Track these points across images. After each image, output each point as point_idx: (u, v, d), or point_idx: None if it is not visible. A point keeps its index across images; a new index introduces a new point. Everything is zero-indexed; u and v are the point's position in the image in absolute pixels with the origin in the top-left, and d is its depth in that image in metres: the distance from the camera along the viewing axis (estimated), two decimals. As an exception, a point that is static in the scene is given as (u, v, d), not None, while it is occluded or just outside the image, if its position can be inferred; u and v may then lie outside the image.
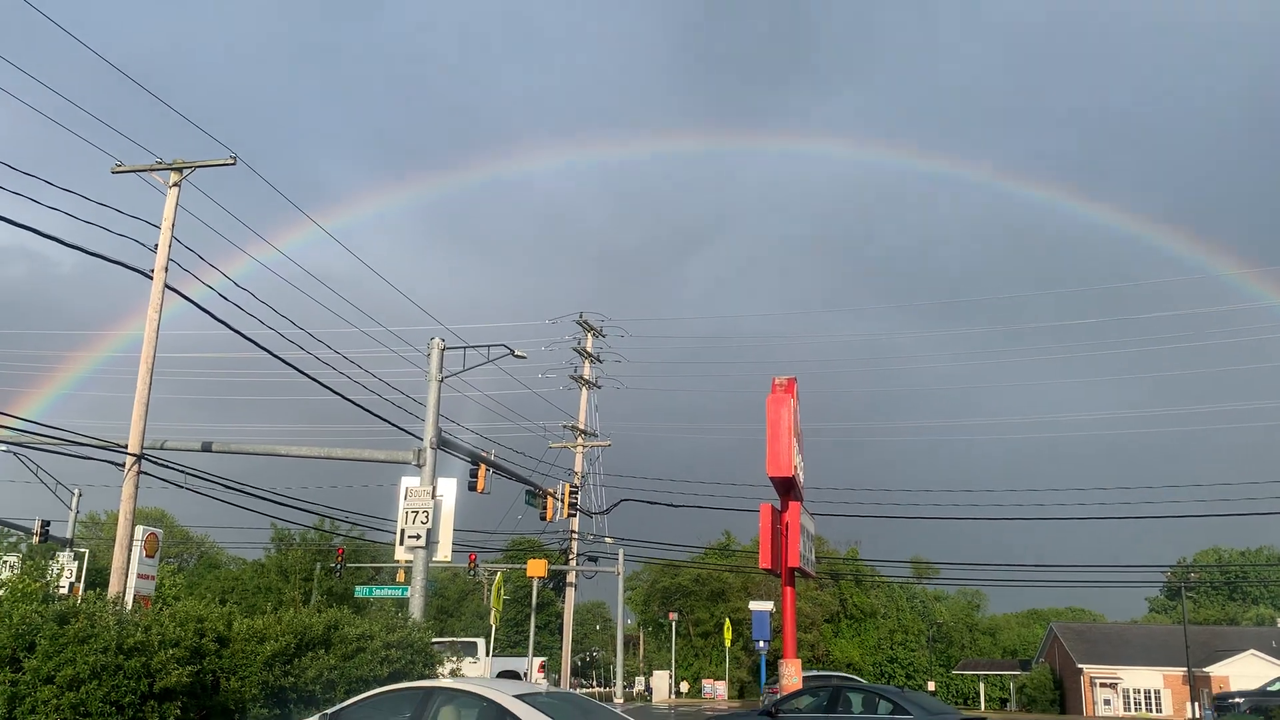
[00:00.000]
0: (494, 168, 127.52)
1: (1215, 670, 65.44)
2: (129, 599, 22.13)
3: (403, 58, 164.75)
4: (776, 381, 23.67)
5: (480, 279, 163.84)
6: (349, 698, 15.73)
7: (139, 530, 30.80)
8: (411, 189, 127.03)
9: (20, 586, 15.32)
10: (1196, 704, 59.17)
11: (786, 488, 23.99)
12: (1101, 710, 67.18)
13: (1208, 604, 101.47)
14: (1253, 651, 66.16)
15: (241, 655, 15.57)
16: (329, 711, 11.75)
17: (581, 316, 49.76)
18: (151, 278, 21.72)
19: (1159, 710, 66.30)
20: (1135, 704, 68.03)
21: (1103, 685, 68.43)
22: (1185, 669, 63.34)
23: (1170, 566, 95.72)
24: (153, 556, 26.81)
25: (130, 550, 22.54)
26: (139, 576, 26.77)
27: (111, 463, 23.45)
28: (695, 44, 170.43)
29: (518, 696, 10.59)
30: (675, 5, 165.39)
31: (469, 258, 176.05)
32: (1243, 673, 65.47)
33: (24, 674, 12.27)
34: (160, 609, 15.58)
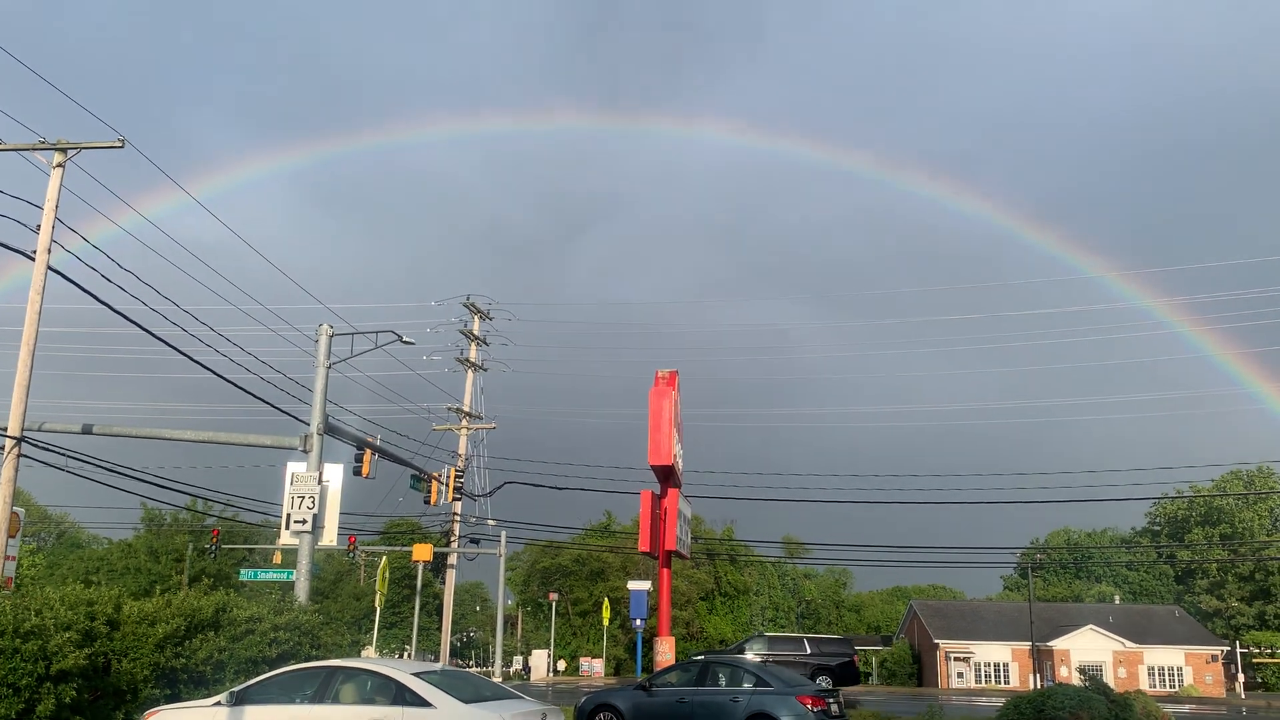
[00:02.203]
0: (380, 140, 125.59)
1: (1058, 644, 70.28)
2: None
3: (287, 24, 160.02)
4: (659, 374, 24.95)
5: (364, 253, 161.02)
6: (239, 678, 16.31)
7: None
8: (291, 157, 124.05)
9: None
10: (1039, 675, 63.50)
11: (666, 475, 25.34)
12: (955, 683, 71.29)
13: (1056, 582, 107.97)
14: (1091, 627, 71.27)
15: (133, 638, 15.91)
16: (235, 690, 12.36)
17: (469, 299, 50.08)
18: (34, 259, 21.49)
19: (1007, 682, 70.75)
20: (986, 676, 72.41)
21: (957, 659, 72.60)
22: (1030, 643, 67.80)
23: (1022, 548, 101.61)
24: (14, 537, 26.36)
25: (2, 532, 22.27)
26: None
27: None
28: (587, 23, 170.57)
29: (415, 674, 11.45)
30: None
31: (353, 231, 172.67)
32: (1083, 646, 70.57)
33: (-81, 658, 12.52)
34: (24, 591, 15.69)
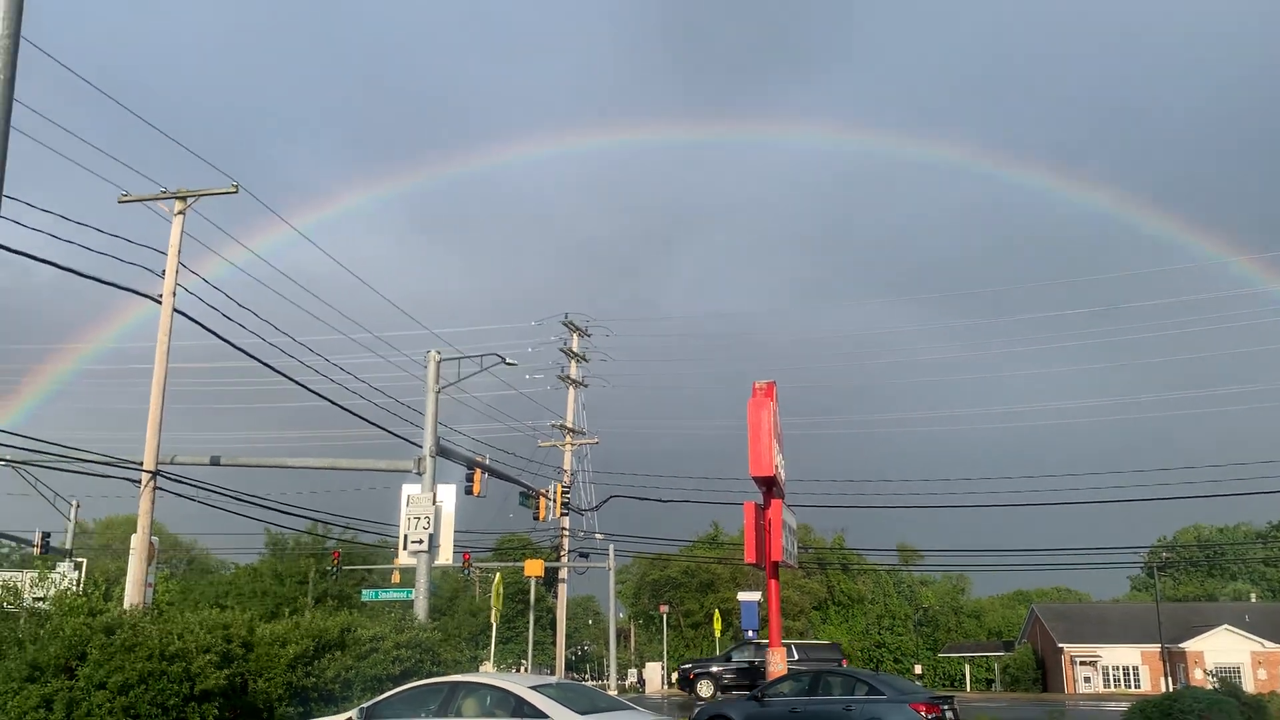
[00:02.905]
0: (476, 163, 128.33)
1: (1190, 646, 67.42)
2: (131, 602, 23.23)
3: (372, 53, 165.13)
4: (757, 386, 25.02)
5: (465, 275, 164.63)
6: (365, 695, 17.02)
7: (134, 539, 31.83)
8: (391, 185, 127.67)
9: (68, 601, 16.48)
10: (1170, 678, 61.06)
11: (768, 486, 25.38)
12: (1081, 688, 69.05)
13: (1188, 581, 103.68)
14: (1226, 627, 68.17)
15: (266, 658, 16.79)
16: (364, 706, 12.98)
17: (567, 318, 50.95)
18: (160, 303, 22.84)
19: (1138, 686, 68.20)
20: (1115, 681, 69.94)
21: (1083, 663, 70.32)
22: (1160, 646, 65.23)
23: (1150, 546, 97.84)
24: (150, 564, 27.95)
25: (143, 560, 23.62)
26: (135, 583, 27.72)
27: (125, 479, 24.54)
28: (674, 33, 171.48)
29: (532, 687, 11.88)
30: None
31: (453, 254, 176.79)
32: (1217, 647, 67.54)
33: (78, 681, 13.48)
34: (164, 616, 16.65)
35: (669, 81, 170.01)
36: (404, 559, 25.29)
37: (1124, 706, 27.18)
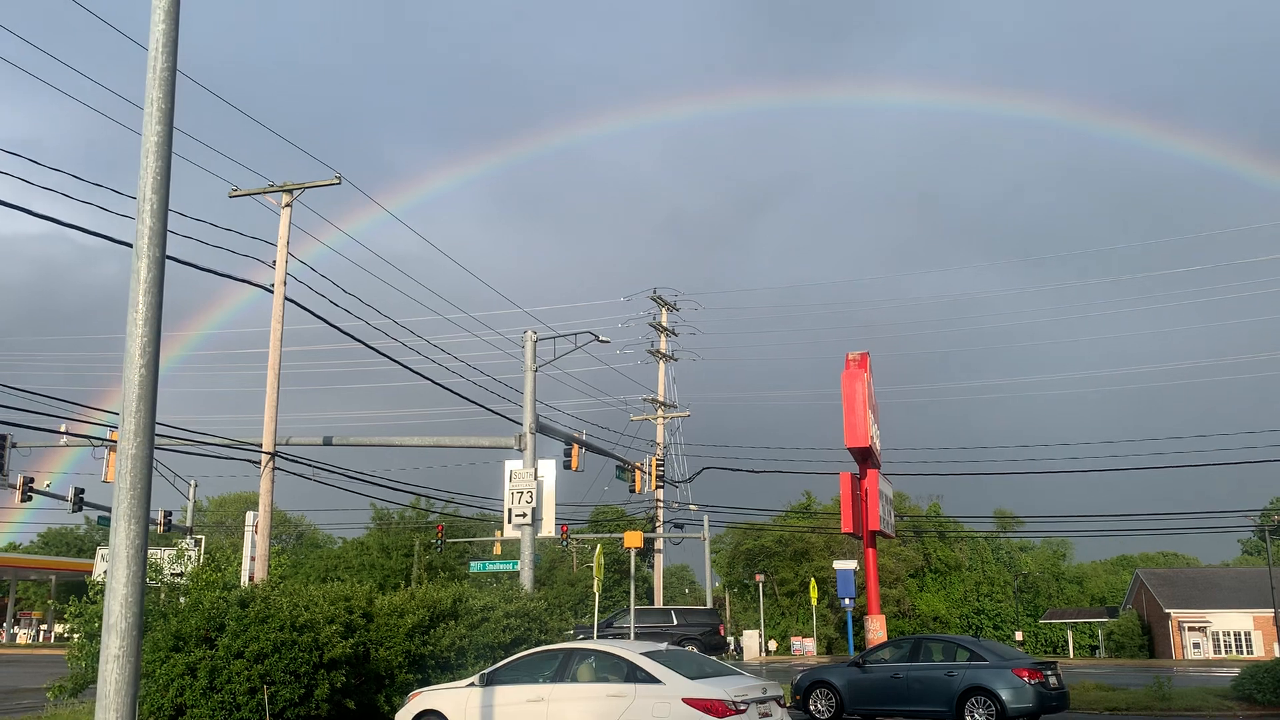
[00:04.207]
0: (561, 139, 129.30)
1: (1306, 611, 65.19)
2: (258, 578, 24.53)
3: (459, 33, 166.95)
4: (850, 357, 25.15)
5: (553, 252, 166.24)
6: (480, 663, 17.82)
7: (249, 516, 33.46)
8: (480, 165, 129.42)
9: (204, 576, 17.60)
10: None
11: (864, 456, 25.54)
12: (1190, 654, 67.40)
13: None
14: (1346, 590, 65.70)
15: (385, 628, 17.68)
16: (485, 672, 13.69)
17: (655, 293, 51.38)
18: (272, 292, 23.93)
19: (1250, 652, 66.29)
20: (1225, 647, 68.11)
21: (1191, 629, 68.60)
22: (1275, 610, 63.20)
23: (1262, 510, 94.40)
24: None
25: (266, 537, 24.86)
26: (250, 559, 29.21)
27: (246, 459, 25.82)
28: (758, 1, 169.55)
29: (644, 654, 12.41)
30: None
31: (542, 232, 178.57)
32: (1336, 612, 65.14)
33: (218, 651, 14.46)
34: (284, 588, 17.52)
35: (755, 47, 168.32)
36: (508, 532, 26.14)
37: (1235, 672, 26.72)
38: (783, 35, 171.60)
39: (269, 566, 23.69)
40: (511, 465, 25.79)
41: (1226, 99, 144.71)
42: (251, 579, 25.59)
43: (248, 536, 32.58)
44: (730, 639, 74.31)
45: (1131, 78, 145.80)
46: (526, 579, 24.86)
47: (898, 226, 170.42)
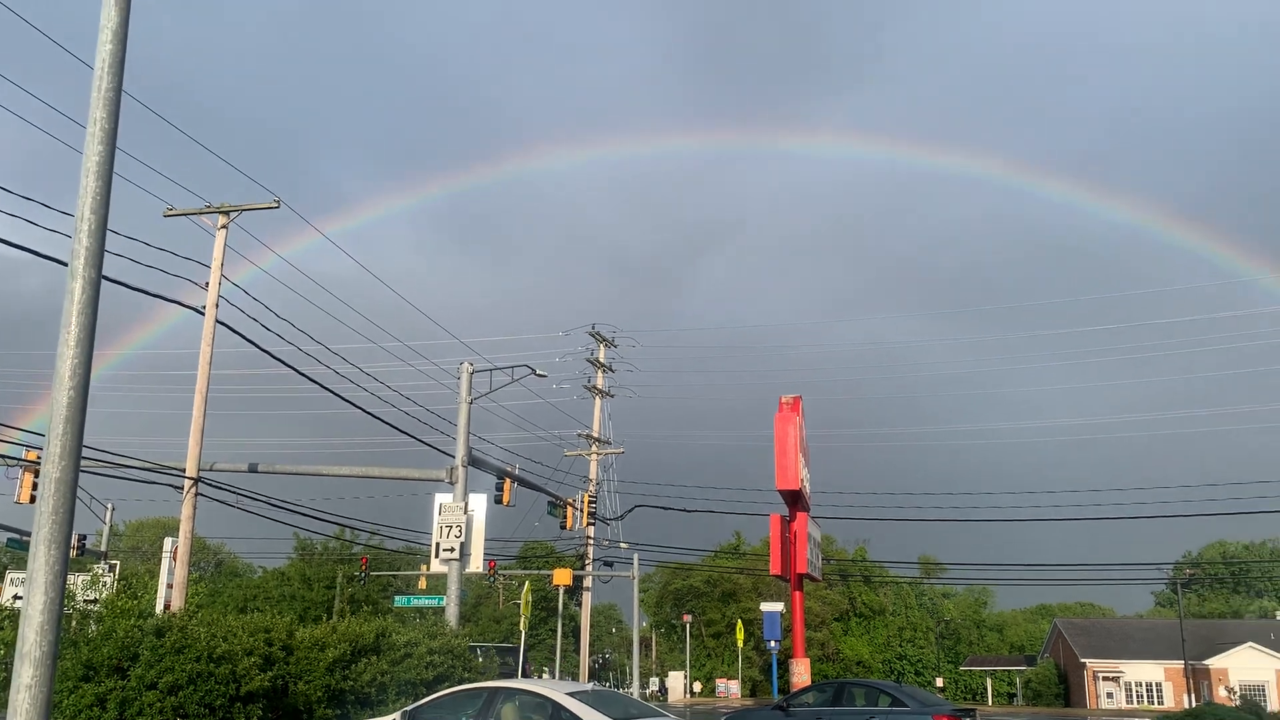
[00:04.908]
0: (503, 171, 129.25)
1: (1214, 663, 67.01)
2: (175, 606, 23.86)
3: (406, 61, 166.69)
4: (784, 400, 25.46)
5: (492, 283, 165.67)
6: (400, 699, 17.52)
7: (168, 542, 32.57)
8: (421, 193, 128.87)
9: (119, 603, 17.08)
10: (1193, 695, 60.74)
11: (794, 499, 25.79)
12: (1104, 703, 68.74)
13: (1212, 598, 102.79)
14: (1251, 645, 67.72)
15: (305, 662, 17.31)
16: (407, 709, 13.49)
17: (594, 328, 51.47)
18: (203, 314, 23.52)
19: (1160, 703, 67.85)
20: (1137, 697, 69.59)
21: (1105, 679, 70.02)
22: (1184, 662, 64.93)
23: (1174, 563, 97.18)
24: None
25: (185, 565, 24.21)
26: (167, 586, 28.40)
27: (167, 484, 25.21)
28: (704, 45, 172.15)
29: (569, 694, 12.34)
30: (686, 6, 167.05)
31: (481, 262, 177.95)
32: (1242, 664, 67.14)
33: (130, 681, 14.05)
34: (201, 618, 17.13)
35: (702, 90, 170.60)
36: (435, 566, 25.79)
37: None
38: (727, 81, 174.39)
39: (186, 595, 23.07)
40: (441, 498, 25.53)
41: (1149, 161, 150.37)
42: (167, 607, 24.88)
43: (165, 563, 31.67)
44: (655, 679, 73.93)
45: (1060, 137, 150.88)
46: (452, 615, 24.54)
47: (833, 273, 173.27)
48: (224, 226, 24.18)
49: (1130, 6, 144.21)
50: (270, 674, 15.15)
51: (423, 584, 52.34)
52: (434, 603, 40.96)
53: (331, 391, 26.73)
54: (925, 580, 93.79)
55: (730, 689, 68.51)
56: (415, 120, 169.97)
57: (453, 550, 24.38)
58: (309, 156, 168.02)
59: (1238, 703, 22.01)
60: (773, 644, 55.06)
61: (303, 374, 25.46)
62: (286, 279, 27.18)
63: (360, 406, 27.61)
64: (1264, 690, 64.55)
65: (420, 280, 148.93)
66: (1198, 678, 66.96)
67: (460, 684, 17.08)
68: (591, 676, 68.21)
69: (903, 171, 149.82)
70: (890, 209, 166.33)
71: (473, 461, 26.56)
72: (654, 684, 69.90)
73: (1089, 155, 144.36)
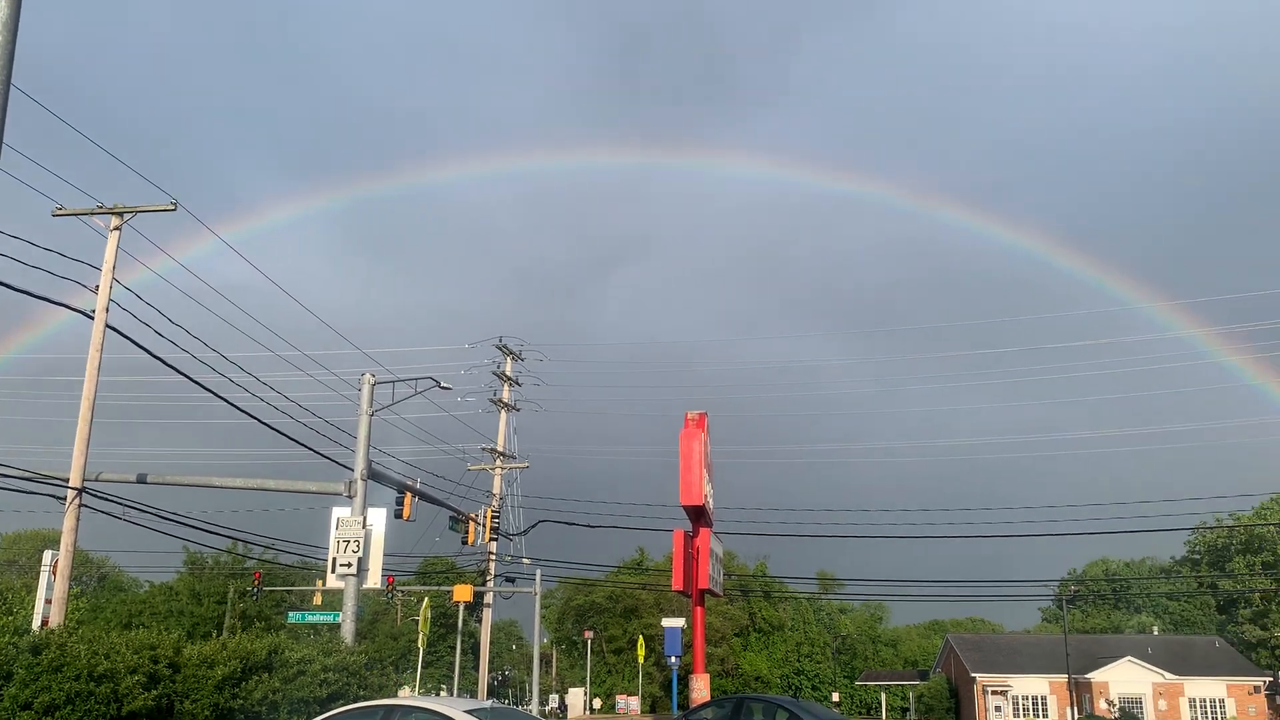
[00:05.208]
0: (414, 180, 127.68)
1: (1096, 676, 69.59)
2: (54, 622, 22.80)
3: (315, 67, 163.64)
4: (689, 416, 25.65)
5: (399, 294, 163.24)
6: (292, 718, 17.05)
7: (47, 555, 31.16)
8: (327, 199, 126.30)
9: (-8, 620, 16.24)
10: (1076, 708, 62.92)
11: (698, 515, 25.98)
12: (992, 716, 70.70)
13: (1095, 614, 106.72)
14: (1130, 659, 70.54)
15: (193, 680, 16.73)
16: (299, 728, 13.10)
17: (501, 341, 51.10)
18: (93, 318, 22.61)
19: (1045, 715, 70.10)
20: (1024, 710, 71.76)
21: (994, 693, 72.03)
22: (1068, 676, 67.23)
23: (1059, 580, 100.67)
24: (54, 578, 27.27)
25: (66, 579, 23.17)
26: (46, 601, 27.06)
27: (48, 495, 24.11)
28: (618, 61, 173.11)
29: (468, 711, 12.17)
30: (596, 25, 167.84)
31: (387, 271, 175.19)
32: (1122, 678, 69.87)
33: (3, 701, 13.37)
34: (81, 634, 16.45)
35: (614, 106, 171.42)
36: (331, 582, 25.21)
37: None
38: (640, 98, 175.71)
39: (66, 611, 22.05)
40: (339, 512, 24.99)
41: (1041, 191, 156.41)
42: (45, 623, 23.75)
43: (44, 577, 30.27)
44: (554, 695, 73.41)
45: (958, 166, 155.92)
46: (348, 631, 24.00)
47: (741, 292, 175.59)
48: (117, 228, 23.31)
49: (1027, 41, 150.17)
50: (155, 693, 14.60)
51: (318, 600, 51.03)
52: (329, 619, 39.95)
53: (227, 401, 25.91)
54: (823, 596, 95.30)
55: (630, 705, 68.44)
56: (321, 126, 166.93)
57: (350, 565, 23.87)
58: (209, 159, 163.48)
59: (1116, 715, 22.82)
60: (673, 660, 55.20)
61: (197, 382, 24.64)
62: (182, 284, 26.32)
63: (256, 417, 26.83)
64: (1141, 703, 67.28)
65: (323, 288, 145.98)
66: (1080, 691, 69.40)
67: (355, 702, 16.71)
68: (490, 693, 67.41)
69: (810, 194, 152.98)
70: (797, 231, 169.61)
71: (373, 475, 26.07)
72: (554, 700, 69.37)
73: (984, 184, 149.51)
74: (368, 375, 26.46)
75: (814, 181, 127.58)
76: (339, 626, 25.26)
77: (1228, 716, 69.52)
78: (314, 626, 51.94)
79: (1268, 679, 73.32)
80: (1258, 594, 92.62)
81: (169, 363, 23.65)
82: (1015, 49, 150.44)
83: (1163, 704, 68.66)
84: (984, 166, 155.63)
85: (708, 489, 26.00)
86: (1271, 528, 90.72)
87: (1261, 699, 71.46)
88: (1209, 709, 70.22)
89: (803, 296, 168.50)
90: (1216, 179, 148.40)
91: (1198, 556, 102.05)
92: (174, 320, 23.58)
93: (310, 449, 28.24)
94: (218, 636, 19.34)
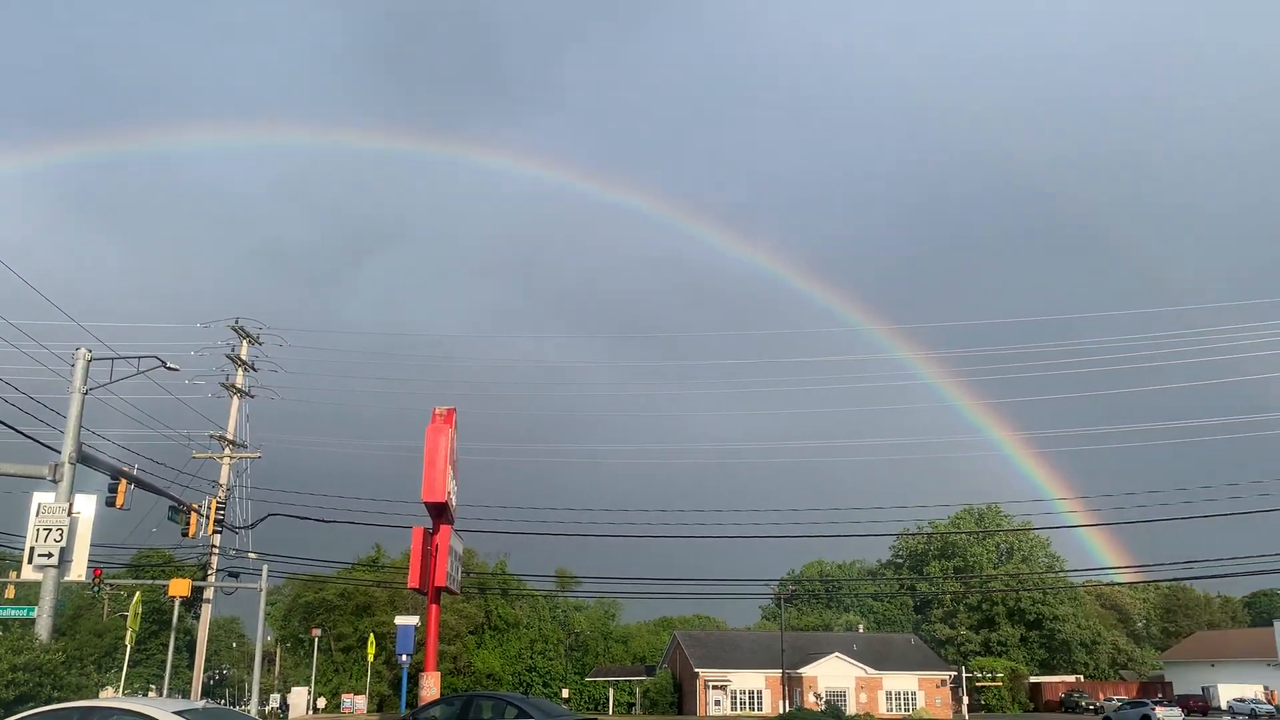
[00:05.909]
0: (147, 146, 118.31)
1: (807, 671, 74.57)
2: None
3: (51, 15, 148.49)
4: (437, 411, 25.38)
5: (126, 263, 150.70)
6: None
7: None
8: (40, 157, 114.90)
9: None
10: (788, 701, 67.08)
11: (439, 512, 25.74)
12: (713, 710, 74.20)
13: (809, 612, 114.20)
14: (837, 655, 76.11)
15: None
16: (-21, 735, 11.91)
17: (237, 322, 48.40)
18: None
19: (761, 708, 74.35)
20: (741, 704, 75.77)
21: (715, 687, 75.60)
22: (782, 671, 71.68)
23: (778, 579, 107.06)
24: None
25: None
26: None
27: None
28: (385, 45, 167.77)
29: (177, 713, 11.49)
30: (368, 5, 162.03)
31: (115, 239, 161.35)
32: (829, 672, 75.23)
33: None
34: None
35: (376, 89, 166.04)
36: (28, 573, 23.00)
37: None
38: (402, 86, 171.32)
39: None
40: (42, 497, 22.88)
41: (787, 217, 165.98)
42: None
43: None
44: (276, 695, 70.21)
45: (714, 187, 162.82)
46: (44, 628, 21.99)
47: (501, 289, 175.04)
48: None
49: (792, 69, 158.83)
50: None
51: (10, 593, 46.26)
52: (23, 613, 36.35)
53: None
54: (560, 594, 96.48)
55: (356, 704, 66.62)
56: (40, 78, 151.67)
57: (50, 555, 21.91)
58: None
59: (823, 707, 24.72)
60: (405, 658, 54.21)
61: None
62: None
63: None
64: (846, 696, 72.68)
65: (42, 255, 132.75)
66: (792, 685, 74.10)
67: (48, 704, 15.38)
68: (206, 693, 63.57)
69: (570, 198, 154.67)
70: (561, 233, 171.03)
71: (83, 459, 24.07)
72: (275, 700, 66.34)
73: (736, 206, 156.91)
74: (82, 351, 24.40)
75: (575, 185, 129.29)
76: (34, 622, 23.11)
77: (917, 707, 76.42)
78: (3, 622, 47.13)
79: (953, 673, 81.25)
80: (948, 595, 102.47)
81: None
82: (779, 78, 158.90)
83: (864, 696, 74.48)
84: (734, 189, 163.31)
85: (451, 486, 25.83)
86: (963, 536, 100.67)
87: (947, 691, 79.08)
88: (903, 701, 76.91)
89: (562, 299, 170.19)
90: (941, 224, 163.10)
91: (900, 560, 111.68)
92: None
93: (11, 427, 25.68)
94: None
